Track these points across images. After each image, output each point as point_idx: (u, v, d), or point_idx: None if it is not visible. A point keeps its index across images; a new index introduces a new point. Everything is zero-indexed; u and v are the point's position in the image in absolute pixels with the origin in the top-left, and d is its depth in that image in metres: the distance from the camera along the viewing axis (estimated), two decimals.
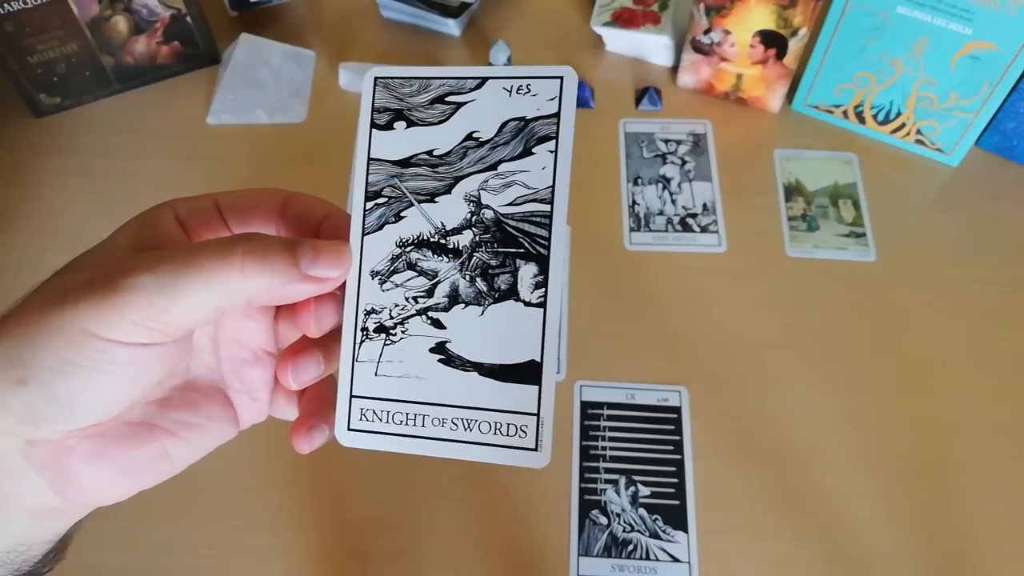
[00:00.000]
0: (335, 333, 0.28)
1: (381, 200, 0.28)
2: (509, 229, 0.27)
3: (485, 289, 0.27)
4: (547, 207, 0.27)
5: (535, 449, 0.27)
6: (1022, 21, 0.59)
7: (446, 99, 0.28)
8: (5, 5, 0.65)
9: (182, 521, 0.53)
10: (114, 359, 0.24)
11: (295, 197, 0.30)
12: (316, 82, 0.76)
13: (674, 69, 0.76)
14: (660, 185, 0.69)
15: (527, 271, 0.27)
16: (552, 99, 0.27)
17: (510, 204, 0.27)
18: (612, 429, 0.57)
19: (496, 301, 0.27)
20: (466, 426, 0.27)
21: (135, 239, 0.27)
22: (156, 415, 0.27)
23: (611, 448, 0.56)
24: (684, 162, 0.70)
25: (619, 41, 0.77)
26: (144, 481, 0.27)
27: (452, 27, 0.78)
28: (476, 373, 0.27)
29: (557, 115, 0.27)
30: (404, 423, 0.28)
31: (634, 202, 0.68)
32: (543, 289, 0.27)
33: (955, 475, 0.55)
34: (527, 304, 0.27)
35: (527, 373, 0.27)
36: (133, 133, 0.73)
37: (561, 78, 0.27)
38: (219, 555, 0.53)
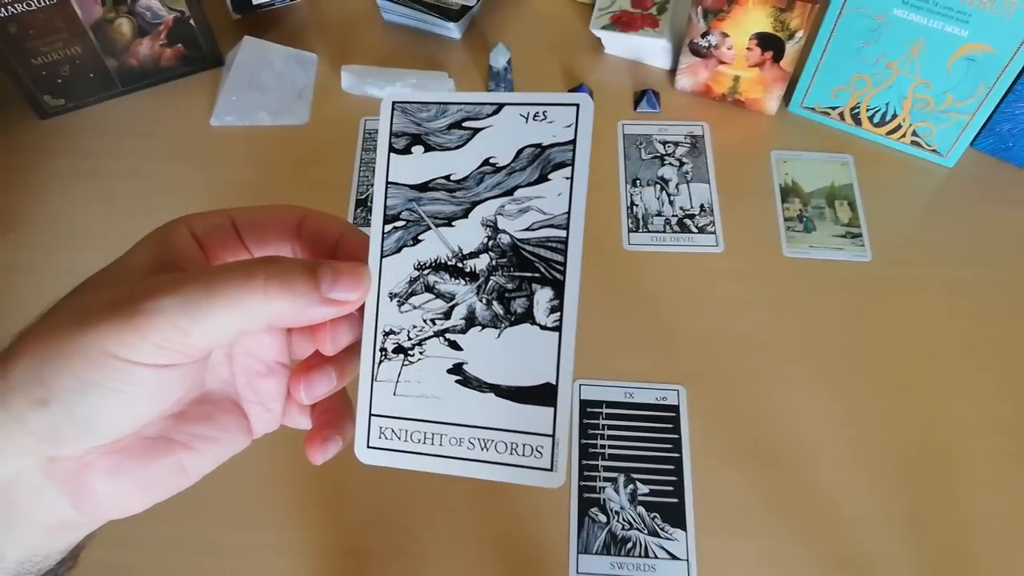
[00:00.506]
0: (348, 349, 0.29)
1: (399, 223, 0.29)
2: (525, 254, 0.28)
3: (501, 312, 0.28)
4: (563, 232, 0.28)
5: (550, 469, 0.27)
6: (1017, 23, 0.60)
7: (463, 124, 0.28)
8: (9, 7, 0.65)
9: (185, 519, 0.54)
10: (135, 380, 0.24)
11: (310, 215, 0.30)
12: (318, 84, 0.76)
13: (672, 72, 0.76)
14: (658, 186, 0.70)
15: (543, 295, 0.28)
16: (568, 126, 0.27)
17: (526, 229, 0.28)
18: (611, 428, 0.57)
19: (512, 324, 0.28)
20: (483, 446, 0.28)
21: (153, 258, 0.27)
22: (172, 429, 0.28)
23: (610, 446, 0.57)
24: (682, 163, 0.71)
25: (618, 44, 0.77)
26: (160, 494, 0.28)
27: (452, 30, 0.79)
28: (493, 394, 0.28)
29: (573, 142, 0.27)
30: (422, 442, 0.28)
31: (632, 203, 0.69)
32: (558, 313, 0.27)
33: (954, 475, 0.55)
34: (543, 328, 0.28)
35: (543, 395, 0.27)
36: (137, 135, 0.74)
37: (577, 106, 0.27)
38: (222, 553, 0.53)
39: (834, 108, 0.72)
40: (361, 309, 0.29)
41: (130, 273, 0.26)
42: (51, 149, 0.73)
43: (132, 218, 0.67)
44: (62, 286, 0.27)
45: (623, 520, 0.54)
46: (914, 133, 0.70)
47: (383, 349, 0.29)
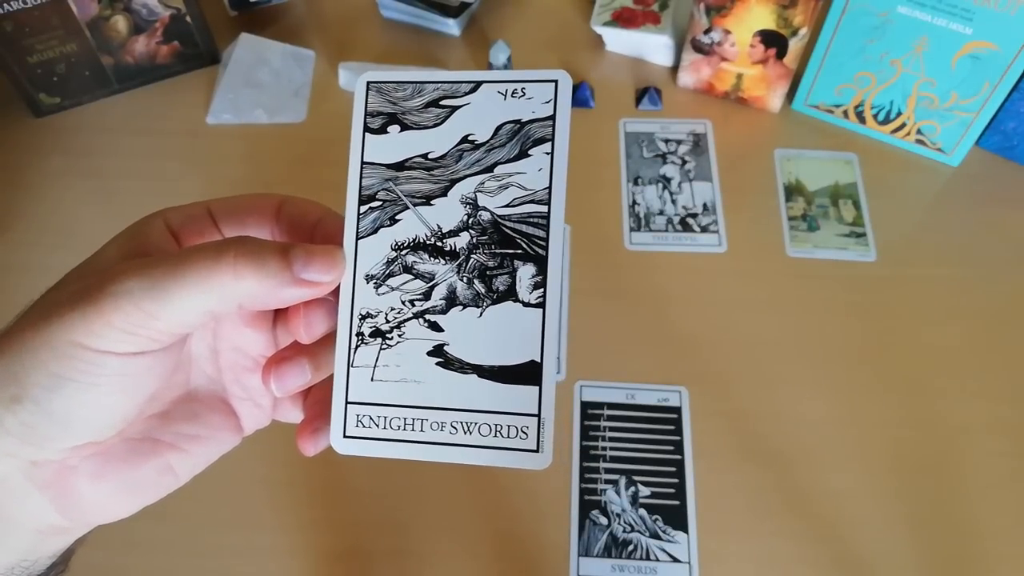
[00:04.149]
0: (325, 340, 0.28)
1: (376, 204, 0.28)
2: (506, 230, 0.27)
3: (483, 291, 0.27)
4: (544, 208, 0.27)
5: (536, 450, 0.27)
6: (1022, 21, 0.59)
7: (440, 103, 0.28)
8: (4, 5, 0.65)
9: (182, 521, 0.53)
10: (105, 371, 0.23)
11: (288, 201, 0.29)
12: (316, 82, 0.76)
13: (674, 69, 0.76)
14: (660, 185, 0.69)
15: (525, 272, 0.27)
16: (547, 102, 0.27)
17: (507, 206, 0.27)
18: (612, 429, 0.57)
19: (494, 302, 0.27)
20: (466, 429, 0.27)
21: (124, 251, 0.26)
22: (158, 429, 0.27)
23: (611, 448, 0.56)
24: (684, 162, 0.70)
25: (619, 41, 0.77)
26: (149, 496, 0.27)
27: (452, 27, 0.78)
28: (475, 375, 0.27)
29: (552, 117, 0.27)
30: (402, 428, 0.27)
31: (634, 202, 0.68)
32: (542, 290, 0.27)
33: (955, 475, 0.55)
34: (526, 305, 0.27)
35: (527, 374, 0.27)
36: (133, 133, 0.73)
37: (556, 81, 0.27)
38: (219, 555, 0.53)
39: (838, 106, 0.71)
40: (337, 295, 0.28)
41: (102, 266, 0.26)
42: (46, 148, 0.72)
43: (128, 217, 0.66)
44: None
45: (624, 522, 0.54)
46: (919, 131, 0.70)
47: (360, 333, 0.28)
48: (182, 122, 0.74)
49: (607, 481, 0.55)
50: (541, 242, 0.27)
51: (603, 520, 0.54)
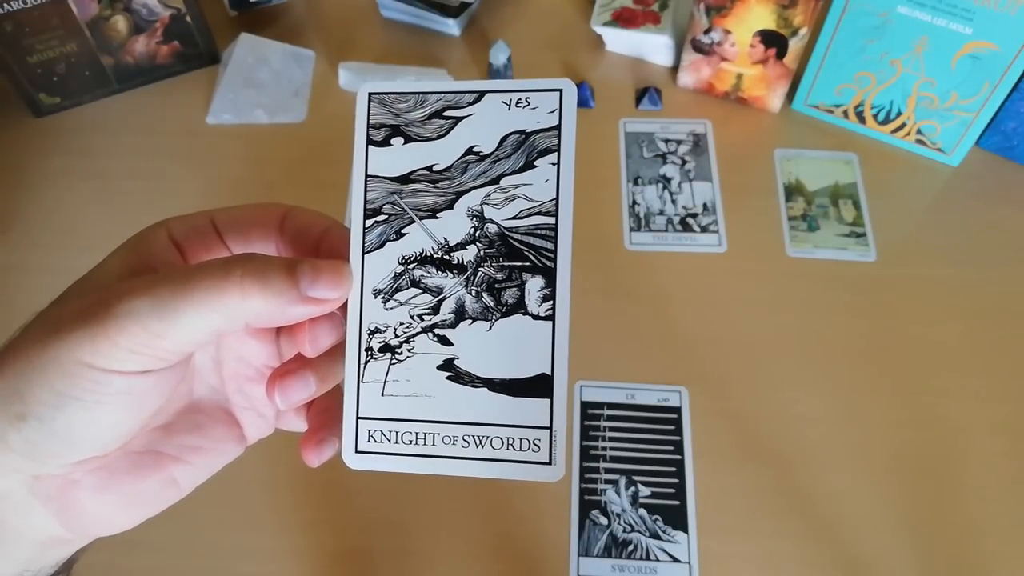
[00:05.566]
0: (331, 352, 0.28)
1: (381, 217, 0.28)
2: (514, 243, 0.27)
3: (492, 304, 0.27)
4: (551, 219, 0.27)
5: (549, 463, 0.27)
6: (1022, 21, 0.59)
7: (444, 114, 0.28)
8: (5, 5, 0.65)
9: (182, 522, 0.53)
10: (111, 389, 0.23)
11: (293, 212, 0.29)
12: (316, 82, 0.76)
13: (674, 69, 0.76)
14: (660, 185, 0.69)
15: (534, 284, 0.27)
16: (552, 111, 0.27)
17: (514, 218, 0.27)
18: (612, 429, 0.57)
19: (503, 315, 0.27)
20: (478, 443, 0.27)
21: (128, 263, 0.26)
22: (161, 442, 0.27)
23: (611, 448, 0.56)
24: (684, 162, 0.70)
25: (619, 41, 0.77)
26: (152, 508, 0.27)
27: (452, 27, 0.78)
28: (486, 389, 0.27)
29: (558, 127, 0.27)
30: (414, 443, 0.27)
31: (634, 202, 0.68)
32: (551, 302, 0.27)
33: (955, 475, 0.55)
34: (535, 317, 0.27)
35: (538, 387, 0.27)
36: (133, 133, 0.73)
37: (560, 90, 0.27)
38: (220, 556, 0.53)
39: (838, 106, 0.71)
40: (343, 309, 0.28)
41: (105, 280, 0.26)
42: (46, 148, 0.72)
43: (128, 217, 0.66)
44: (57, 286, 0.26)
45: (624, 522, 0.54)
46: (919, 131, 0.70)
47: (369, 349, 0.28)
48: (182, 122, 0.74)
49: (607, 481, 0.55)
50: (549, 254, 0.27)
51: (603, 520, 0.54)
